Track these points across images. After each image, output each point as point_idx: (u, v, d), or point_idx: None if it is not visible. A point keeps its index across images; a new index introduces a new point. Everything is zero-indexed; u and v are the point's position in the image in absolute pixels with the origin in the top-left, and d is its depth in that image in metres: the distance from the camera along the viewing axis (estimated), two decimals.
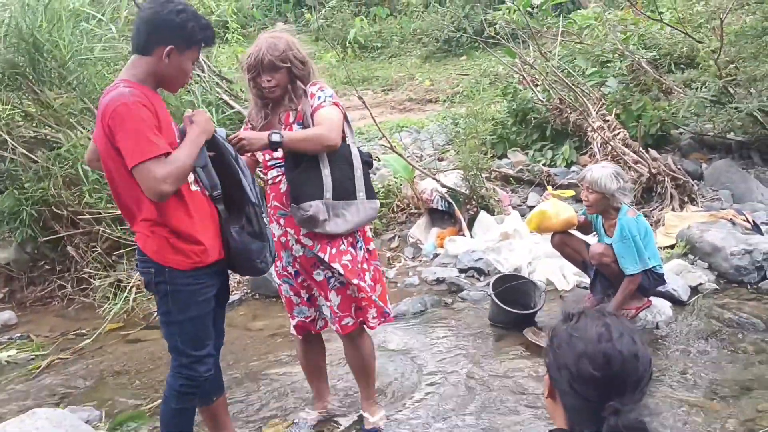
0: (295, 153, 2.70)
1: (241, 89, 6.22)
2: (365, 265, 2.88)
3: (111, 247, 5.23)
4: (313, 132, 2.68)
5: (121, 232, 5.13)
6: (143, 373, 3.83)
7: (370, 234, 2.99)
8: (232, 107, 5.93)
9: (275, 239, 2.84)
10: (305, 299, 2.94)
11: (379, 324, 2.91)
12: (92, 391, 3.66)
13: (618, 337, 1.36)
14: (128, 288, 4.80)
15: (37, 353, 4.24)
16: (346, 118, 2.84)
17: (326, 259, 2.76)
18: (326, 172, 2.70)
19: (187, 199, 2.33)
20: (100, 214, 5.14)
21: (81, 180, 5.07)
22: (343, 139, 2.79)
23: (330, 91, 2.81)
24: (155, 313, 4.66)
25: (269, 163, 2.84)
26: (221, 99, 5.94)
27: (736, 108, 6.41)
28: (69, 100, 5.35)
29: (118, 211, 5.07)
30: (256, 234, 2.49)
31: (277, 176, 2.81)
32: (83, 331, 4.51)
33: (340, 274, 2.77)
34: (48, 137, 5.36)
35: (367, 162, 2.88)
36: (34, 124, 5.44)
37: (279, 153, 2.76)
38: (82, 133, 5.19)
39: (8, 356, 4.22)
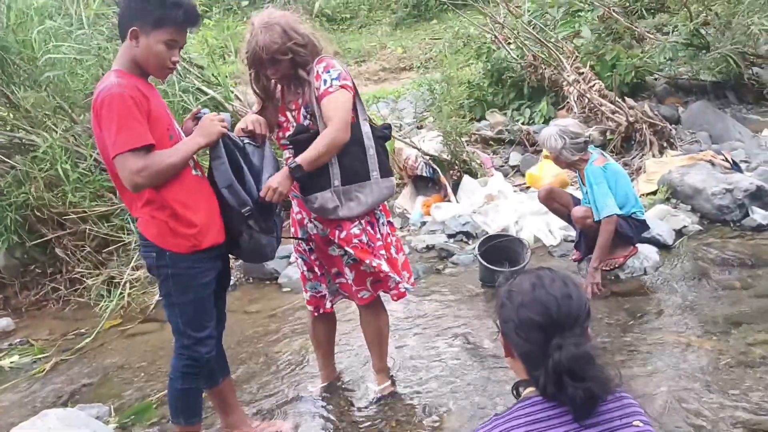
0: (299, 142, 2.66)
1: (212, 74, 6.14)
2: (390, 239, 2.89)
3: (100, 245, 5.22)
4: (324, 143, 2.58)
5: (109, 228, 5.11)
6: (146, 366, 3.87)
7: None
8: (206, 93, 5.87)
9: (292, 215, 2.90)
10: (318, 275, 2.96)
11: (398, 297, 2.91)
12: (98, 388, 3.70)
13: (549, 283, 1.50)
14: (122, 284, 4.80)
15: (39, 356, 4.26)
16: (357, 95, 2.73)
17: (336, 242, 2.77)
18: (332, 161, 2.65)
19: (187, 183, 2.37)
20: (86, 212, 5.11)
21: (62, 180, 5.03)
22: (353, 119, 2.71)
23: (337, 71, 2.66)
24: (152, 306, 4.70)
25: (282, 142, 2.81)
26: (195, 86, 5.86)
27: (708, 50, 6.44)
28: (41, 100, 5.28)
29: (104, 208, 5.15)
30: (264, 229, 2.53)
31: (289, 158, 2.78)
32: (82, 331, 4.53)
33: (352, 255, 2.78)
34: (24, 141, 5.30)
35: (383, 136, 2.81)
36: (8, 129, 5.37)
37: (291, 133, 2.73)
38: (57, 133, 5.15)
39: (11, 362, 4.23)
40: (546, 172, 4.51)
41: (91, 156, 5.19)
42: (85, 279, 5.05)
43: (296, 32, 2.62)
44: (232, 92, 6.04)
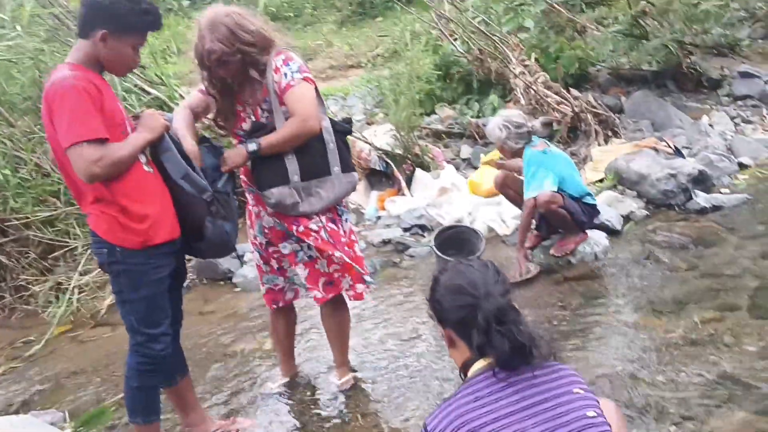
0: (254, 134, 2.63)
1: (155, 74, 6.01)
2: (353, 237, 2.88)
3: (45, 251, 5.03)
4: (289, 131, 2.57)
5: (54, 233, 4.95)
6: (100, 370, 3.76)
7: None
8: (149, 93, 5.76)
9: (248, 208, 2.87)
10: (275, 268, 2.93)
11: (356, 298, 2.91)
12: (51, 394, 3.57)
13: (468, 264, 1.80)
14: (70, 289, 4.65)
15: None
16: (315, 89, 2.67)
17: (294, 235, 2.74)
18: (289, 157, 2.62)
19: (138, 178, 2.33)
20: (28, 218, 4.93)
21: (4, 185, 4.85)
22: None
23: (297, 63, 2.61)
24: (103, 311, 4.57)
25: (238, 133, 2.76)
26: (137, 86, 5.73)
27: (648, 40, 6.64)
28: None
29: (47, 213, 4.98)
30: (225, 216, 2.52)
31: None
32: (31, 338, 4.35)
33: (309, 248, 2.75)
34: None
35: (343, 130, 2.78)
36: None
37: (247, 126, 2.70)
38: None
39: None
40: (486, 179, 4.72)
41: (31, 160, 5.03)
42: (31, 286, 4.87)
43: (244, 30, 2.55)
44: (176, 91, 5.93)
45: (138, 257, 2.34)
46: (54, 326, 4.41)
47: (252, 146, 2.58)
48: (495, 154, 4.82)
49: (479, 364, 1.66)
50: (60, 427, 3.07)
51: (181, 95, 5.86)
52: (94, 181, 2.22)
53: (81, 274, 4.75)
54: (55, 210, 4.98)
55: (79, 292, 4.67)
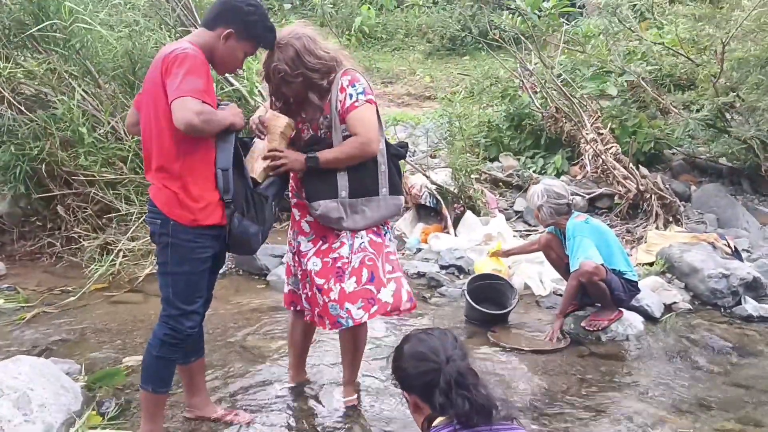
0: (311, 147, 2.72)
1: (242, 68, 6.24)
2: (393, 257, 2.91)
3: (102, 210, 5.29)
4: (349, 149, 2.66)
5: (113, 196, 5.18)
6: (124, 334, 3.90)
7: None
8: (231, 84, 5.97)
9: (293, 217, 2.96)
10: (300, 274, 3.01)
11: (332, 327, 2.86)
12: (74, 345, 3.73)
13: (427, 333, 1.97)
14: (116, 251, 4.85)
15: (23, 305, 4.31)
16: (377, 111, 2.76)
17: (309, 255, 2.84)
18: (341, 173, 2.71)
19: (204, 162, 2.48)
20: (94, 177, 5.18)
21: (78, 142, 5.11)
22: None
23: (362, 85, 2.70)
24: (140, 278, 4.74)
25: (295, 143, 2.84)
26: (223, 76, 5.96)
27: (733, 135, 6.51)
28: (69, 65, 5.36)
29: (112, 176, 5.21)
30: (254, 219, 2.60)
31: None
32: (69, 289, 4.57)
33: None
34: (48, 97, 5.38)
35: (397, 154, 2.85)
36: (36, 83, 5.45)
37: (305, 138, 2.80)
38: (81, 96, 5.23)
39: None
40: (486, 268, 4.77)
41: (108, 123, 5.28)
42: (81, 240, 5.11)
43: (311, 55, 2.64)
44: (257, 87, 6.13)
45: (187, 234, 2.47)
46: (92, 282, 4.60)
47: (311, 157, 2.67)
48: (499, 246, 4.88)
49: (441, 418, 1.82)
50: (74, 378, 3.20)
51: (260, 92, 6.07)
52: (189, 130, 2.33)
53: (129, 240, 4.95)
54: (120, 174, 5.21)
55: (123, 256, 4.86)
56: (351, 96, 2.68)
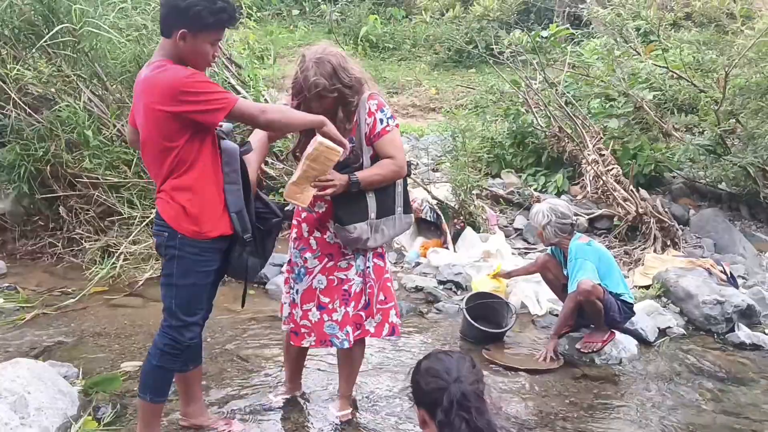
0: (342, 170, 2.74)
1: (249, 75, 6.29)
2: (389, 283, 3.01)
3: (104, 213, 5.33)
4: (386, 172, 2.76)
5: (116, 199, 5.22)
6: (122, 338, 3.93)
7: None
8: (238, 92, 6.01)
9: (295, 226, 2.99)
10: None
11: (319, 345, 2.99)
12: (72, 348, 3.76)
13: (446, 354, 2.06)
14: (117, 254, 4.89)
15: (23, 305, 4.34)
16: None
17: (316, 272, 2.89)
18: (370, 195, 2.78)
19: (212, 174, 2.53)
20: (98, 179, 5.22)
21: (83, 144, 5.15)
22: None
23: (388, 110, 2.81)
24: (140, 282, 4.77)
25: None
26: (229, 83, 6.01)
27: (730, 161, 6.57)
28: (77, 68, 5.41)
29: (116, 179, 5.25)
30: (255, 253, 2.66)
31: None
32: (69, 290, 4.60)
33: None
34: (54, 98, 5.43)
35: (408, 173, 2.92)
36: (44, 81, 5.50)
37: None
38: (88, 98, 5.28)
39: None
40: (482, 287, 4.86)
41: (114, 126, 5.32)
42: (83, 241, 5.14)
43: (345, 72, 2.70)
44: (263, 95, 6.18)
45: (194, 247, 2.51)
46: (92, 284, 4.64)
47: (354, 178, 2.71)
48: (499, 268, 4.92)
49: None
50: (71, 382, 3.23)
51: (266, 99, 6.12)
52: (271, 126, 2.62)
53: (131, 243, 4.99)
54: (124, 178, 5.25)
55: (124, 260, 4.89)
56: (381, 121, 2.78)
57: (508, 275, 4.78)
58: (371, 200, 2.78)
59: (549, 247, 4.37)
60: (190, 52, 2.45)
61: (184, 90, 2.36)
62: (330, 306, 2.88)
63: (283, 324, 3.13)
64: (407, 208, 2.92)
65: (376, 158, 2.80)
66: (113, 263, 4.82)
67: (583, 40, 9.16)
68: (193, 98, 2.36)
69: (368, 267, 2.91)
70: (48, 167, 5.18)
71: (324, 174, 2.64)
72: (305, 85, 2.68)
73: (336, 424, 3.11)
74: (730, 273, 5.52)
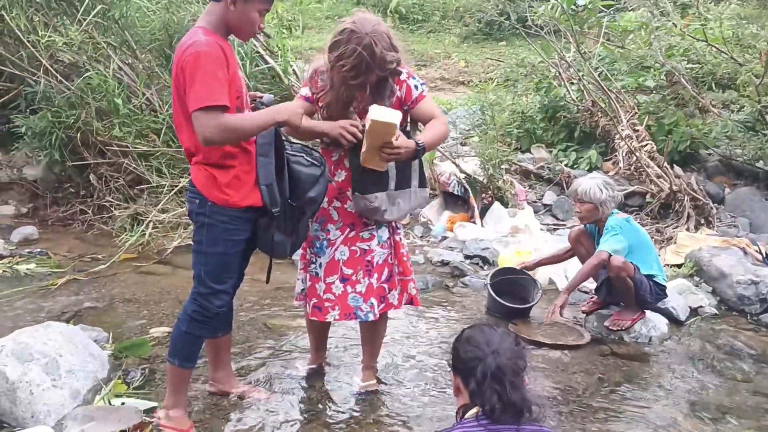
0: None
1: (277, 45, 6.23)
2: (405, 258, 2.97)
3: (134, 181, 5.38)
4: (442, 131, 2.76)
5: (145, 168, 5.25)
6: (151, 304, 3.98)
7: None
8: (266, 62, 5.96)
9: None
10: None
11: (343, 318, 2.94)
12: (102, 313, 3.82)
13: (491, 329, 2.04)
14: (146, 222, 4.93)
15: (54, 270, 4.42)
16: None
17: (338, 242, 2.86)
18: (391, 165, 2.72)
19: (245, 145, 2.50)
20: (128, 147, 5.26)
21: (113, 112, 5.18)
22: (406, 126, 2.79)
23: (418, 78, 2.79)
24: (169, 250, 4.82)
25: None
26: (257, 52, 5.97)
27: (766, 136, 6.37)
28: (108, 35, 5.41)
29: (146, 147, 5.28)
30: (283, 230, 2.63)
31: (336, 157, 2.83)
32: (99, 257, 4.68)
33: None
34: (85, 66, 5.45)
35: (423, 148, 2.82)
36: (75, 49, 5.52)
37: None
38: (118, 66, 5.29)
39: (27, 269, 4.42)
40: (506, 263, 4.76)
41: (143, 95, 5.33)
42: (113, 209, 5.20)
43: (395, 47, 2.63)
44: (291, 66, 6.12)
45: (224, 215, 2.51)
46: (122, 251, 4.69)
47: (421, 143, 2.66)
48: (529, 254, 4.84)
49: (473, 410, 1.89)
50: (102, 346, 3.29)
51: (294, 71, 6.08)
52: (208, 144, 2.37)
53: (160, 211, 5.03)
54: (154, 147, 5.28)
55: (153, 228, 4.94)
56: (417, 87, 2.75)
57: (537, 264, 4.64)
58: (392, 170, 2.75)
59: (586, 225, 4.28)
60: (238, 18, 2.43)
61: (184, 67, 2.33)
62: (353, 277, 2.85)
63: (295, 300, 3.13)
64: (423, 182, 2.88)
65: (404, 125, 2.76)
66: (142, 231, 4.87)
67: (612, 12, 8.87)
68: (187, 76, 2.31)
69: (389, 238, 2.89)
70: (78, 135, 5.23)
71: (388, 142, 2.55)
72: (375, 62, 2.54)
73: (360, 394, 3.12)
74: (766, 253, 5.39)
